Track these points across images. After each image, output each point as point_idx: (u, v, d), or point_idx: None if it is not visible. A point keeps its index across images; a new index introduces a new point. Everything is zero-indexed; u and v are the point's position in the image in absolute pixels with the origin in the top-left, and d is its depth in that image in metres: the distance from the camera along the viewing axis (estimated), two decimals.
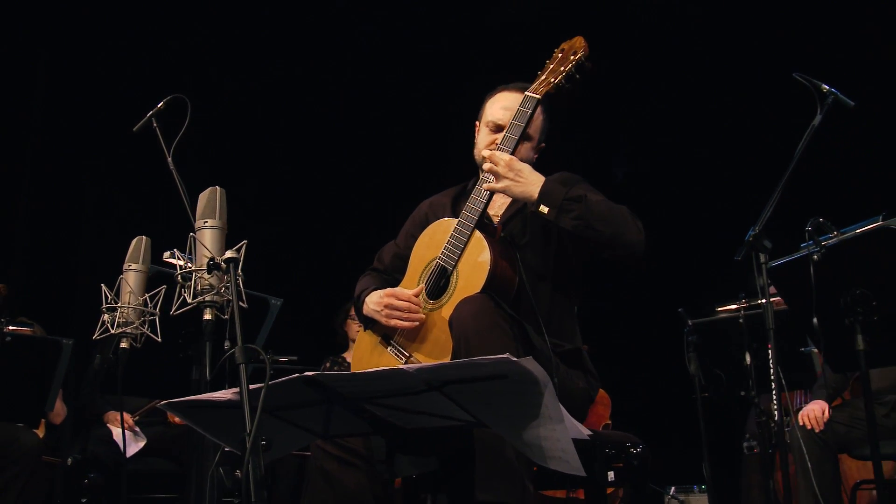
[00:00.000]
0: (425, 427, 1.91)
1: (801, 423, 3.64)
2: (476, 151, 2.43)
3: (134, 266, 2.07)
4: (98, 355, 2.17)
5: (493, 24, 5.35)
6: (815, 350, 3.58)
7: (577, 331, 2.36)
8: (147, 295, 2.07)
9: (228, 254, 1.64)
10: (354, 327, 4.73)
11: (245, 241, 1.71)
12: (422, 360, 2.19)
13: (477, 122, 2.47)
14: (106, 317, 2.05)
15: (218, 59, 5.63)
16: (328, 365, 4.67)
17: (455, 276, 2.20)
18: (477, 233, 2.19)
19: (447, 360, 2.09)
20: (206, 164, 5.16)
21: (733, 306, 4.73)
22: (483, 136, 2.40)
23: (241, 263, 1.68)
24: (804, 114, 3.19)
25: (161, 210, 4.81)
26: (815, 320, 2.98)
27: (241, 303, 1.68)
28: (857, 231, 2.90)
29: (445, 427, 1.91)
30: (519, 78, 2.45)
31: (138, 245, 2.09)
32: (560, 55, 2.26)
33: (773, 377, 2.94)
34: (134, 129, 2.94)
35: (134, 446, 3.72)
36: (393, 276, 2.52)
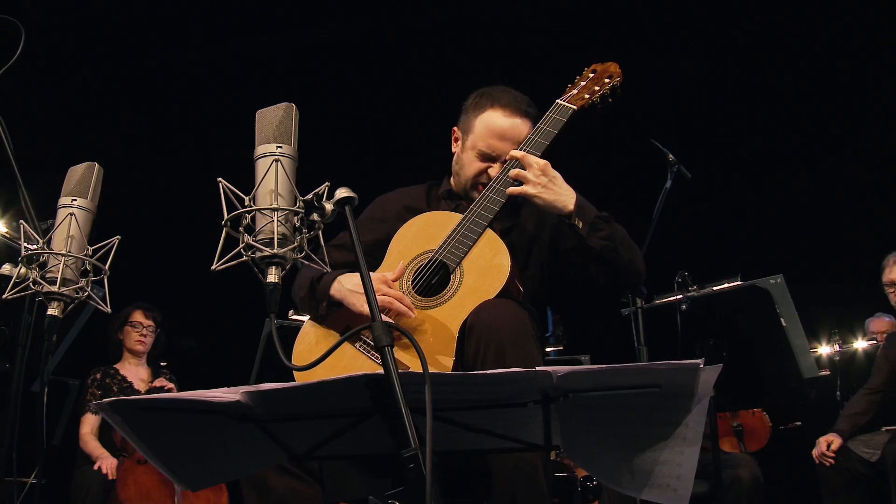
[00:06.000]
0: (461, 450, 1.59)
1: None
2: (461, 171, 2.16)
3: (79, 202, 1.43)
4: None
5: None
6: None
7: None
8: (91, 248, 1.45)
9: (341, 192, 1.21)
10: (134, 336, 3.96)
11: (327, 183, 1.28)
12: (409, 362, 1.85)
13: (456, 129, 2.23)
14: (22, 269, 1.39)
15: None
16: (98, 376, 3.84)
17: (458, 275, 1.93)
18: (491, 232, 1.98)
19: (444, 364, 1.80)
20: None
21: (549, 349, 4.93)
22: (471, 161, 2.13)
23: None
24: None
25: None
26: None
27: (324, 267, 1.26)
28: (726, 286, 3.17)
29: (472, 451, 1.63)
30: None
31: (87, 174, 1.45)
32: (592, 75, 2.21)
33: None
34: None
35: None
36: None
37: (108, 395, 3.79)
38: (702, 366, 1.28)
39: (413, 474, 0.99)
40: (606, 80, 2.19)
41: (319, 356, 1.25)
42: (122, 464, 3.53)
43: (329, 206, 1.21)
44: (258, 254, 1.19)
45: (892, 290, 3.84)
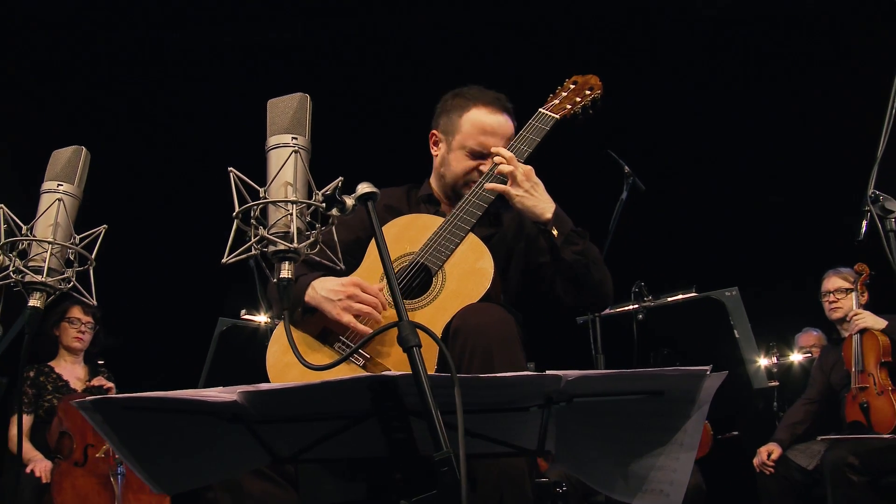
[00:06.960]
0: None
1: None
2: (448, 171, 2.16)
3: (65, 188, 1.35)
4: None
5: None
6: None
7: None
8: (77, 236, 1.37)
9: (363, 187, 1.18)
10: (71, 332, 3.78)
11: (341, 178, 1.25)
12: (388, 365, 1.82)
13: (435, 132, 2.22)
14: (1, 257, 1.30)
15: None
16: (31, 374, 3.65)
17: (440, 278, 1.91)
18: (474, 236, 1.97)
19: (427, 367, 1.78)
20: None
21: None
22: (460, 159, 2.13)
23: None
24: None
25: None
26: None
27: (338, 264, 1.23)
28: (681, 297, 3.25)
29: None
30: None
31: (74, 158, 1.37)
32: (573, 86, 2.24)
33: None
34: None
35: None
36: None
37: (42, 394, 3.61)
38: (708, 373, 1.30)
39: (448, 478, 0.96)
40: (587, 92, 2.23)
41: (324, 361, 1.21)
42: (57, 466, 3.36)
43: (350, 201, 1.18)
44: (272, 248, 1.15)
45: (827, 298, 3.96)
